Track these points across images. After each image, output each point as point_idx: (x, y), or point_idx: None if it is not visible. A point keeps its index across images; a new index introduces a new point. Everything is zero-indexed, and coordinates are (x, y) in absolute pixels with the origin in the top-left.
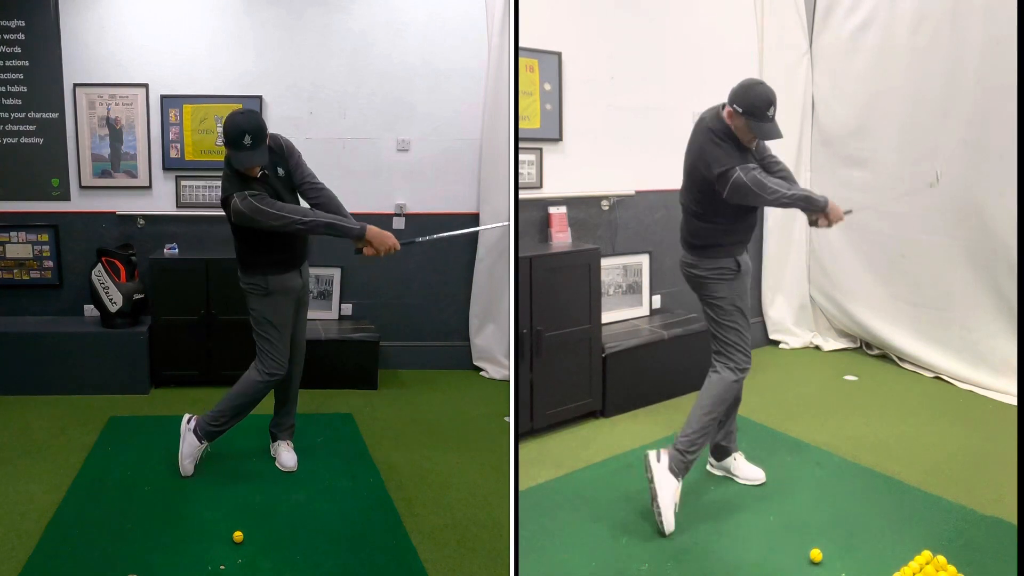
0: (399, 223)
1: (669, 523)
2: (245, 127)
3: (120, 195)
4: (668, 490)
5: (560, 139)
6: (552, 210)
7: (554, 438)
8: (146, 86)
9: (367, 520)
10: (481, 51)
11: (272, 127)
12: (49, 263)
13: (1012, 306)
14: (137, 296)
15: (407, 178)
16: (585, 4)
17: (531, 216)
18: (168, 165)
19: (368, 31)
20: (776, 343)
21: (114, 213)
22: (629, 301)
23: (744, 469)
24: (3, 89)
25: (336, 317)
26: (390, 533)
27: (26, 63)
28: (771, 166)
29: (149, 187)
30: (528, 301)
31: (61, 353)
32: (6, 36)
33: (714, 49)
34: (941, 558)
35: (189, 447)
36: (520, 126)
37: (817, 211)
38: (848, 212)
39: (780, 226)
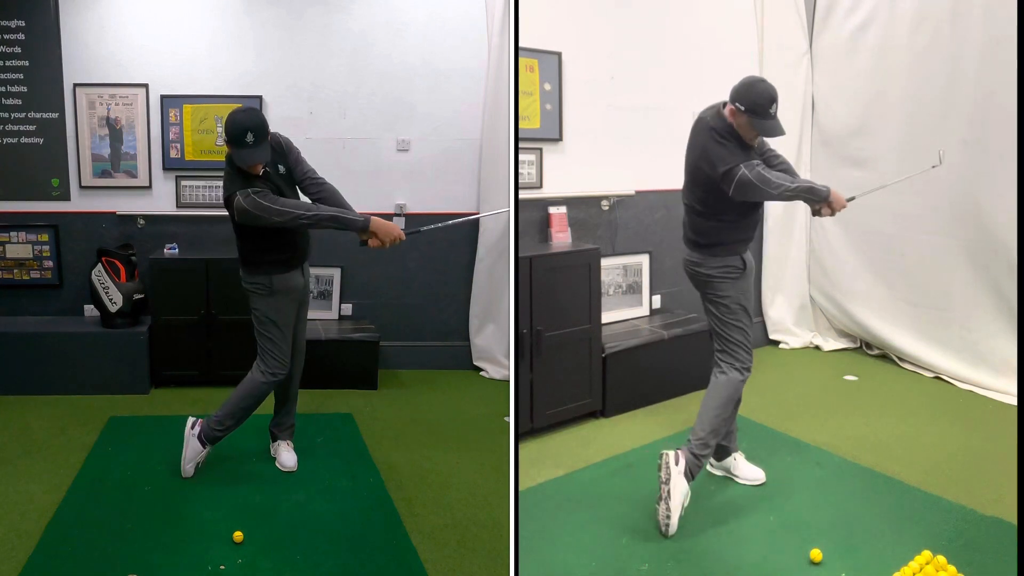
0: (399, 223)
1: (675, 525)
2: (247, 125)
3: (120, 195)
4: (680, 493)
5: (560, 139)
6: (552, 210)
7: (554, 438)
8: (146, 86)
9: (367, 520)
10: (481, 51)
11: (272, 127)
12: (49, 263)
13: (1012, 306)
14: (137, 296)
15: (407, 178)
16: (585, 4)
17: (531, 216)
18: (168, 165)
19: (368, 31)
20: (776, 343)
21: (114, 213)
22: (629, 301)
23: (744, 469)
24: (3, 89)
25: (336, 317)
26: (390, 533)
27: (26, 63)
28: (771, 160)
29: (149, 187)
30: (528, 301)
31: (61, 353)
32: (6, 36)
33: (714, 49)
34: (941, 558)
35: (192, 451)
36: (520, 126)
37: (820, 201)
38: (851, 199)
39: (780, 226)
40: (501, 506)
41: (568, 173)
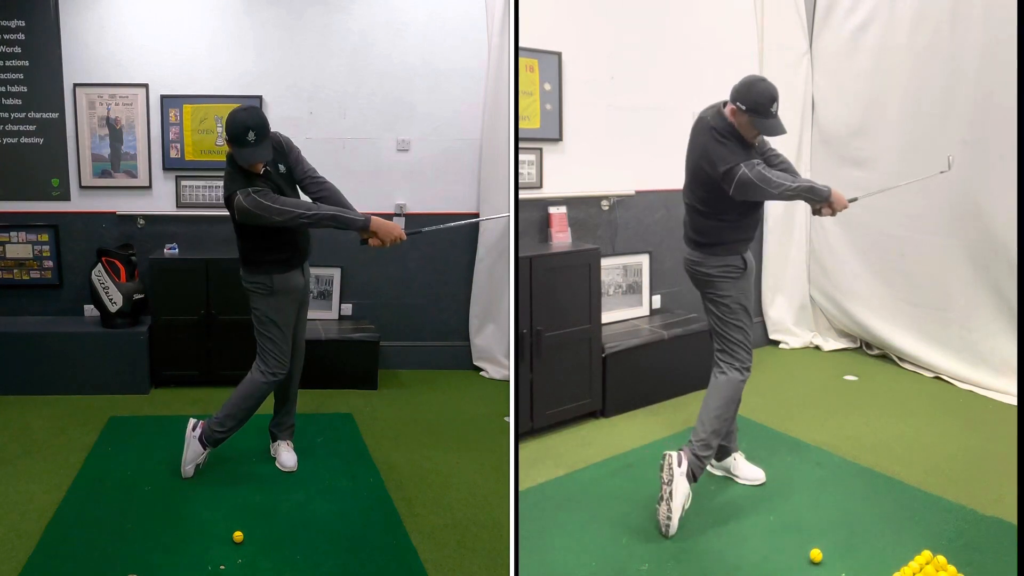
0: (399, 223)
1: (676, 526)
2: (248, 123)
3: (120, 195)
4: (682, 494)
5: (560, 139)
6: (552, 210)
7: (554, 438)
8: (146, 86)
9: (367, 520)
10: (481, 51)
11: (272, 127)
12: (49, 263)
13: (1012, 306)
14: (137, 296)
15: (407, 178)
16: (585, 4)
17: (531, 216)
18: (168, 165)
19: (368, 31)
20: (776, 343)
21: (114, 213)
22: (629, 301)
23: (744, 469)
24: (3, 89)
25: (336, 317)
26: (390, 533)
27: (26, 63)
28: (772, 160)
29: (149, 187)
30: (528, 301)
31: (61, 353)
32: (6, 36)
33: (714, 49)
34: (941, 558)
35: (192, 453)
36: (520, 126)
37: (821, 201)
38: (853, 200)
39: (780, 226)
40: (501, 506)
41: (568, 173)
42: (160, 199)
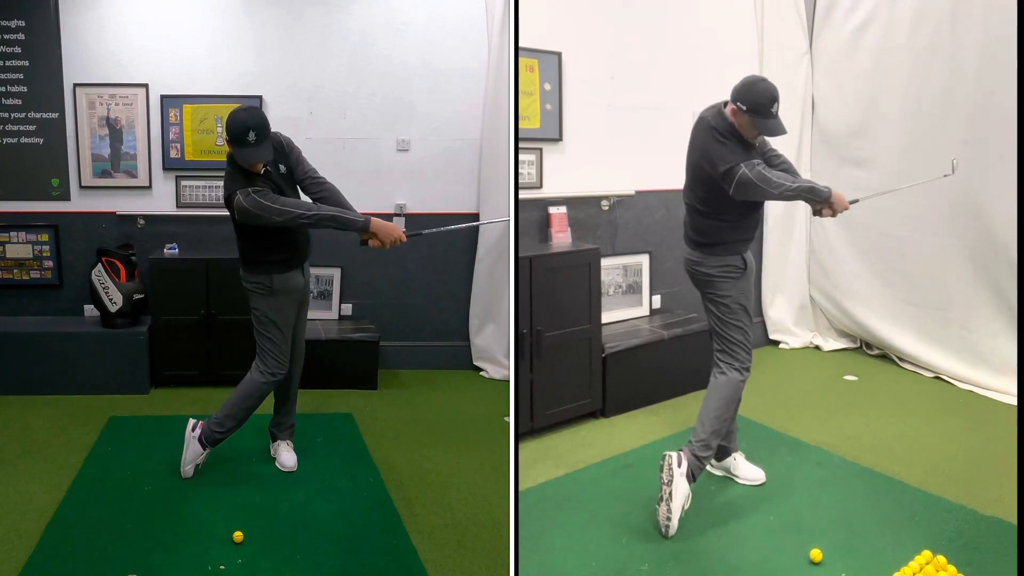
0: (399, 223)
1: (675, 526)
2: (249, 123)
3: (120, 195)
4: (681, 494)
5: (560, 139)
6: (552, 210)
7: (554, 438)
8: (146, 86)
9: (367, 520)
10: (481, 51)
11: (272, 127)
12: (49, 263)
13: (1012, 306)
14: (137, 296)
15: (407, 178)
16: (585, 4)
17: (531, 216)
18: (168, 165)
19: (368, 31)
20: (776, 343)
21: (114, 213)
22: (629, 301)
23: (744, 469)
24: (3, 89)
25: (336, 317)
26: (390, 533)
27: (26, 63)
28: (772, 160)
29: (149, 187)
30: (528, 301)
31: (61, 353)
32: (6, 36)
33: (714, 49)
34: (941, 558)
35: (192, 453)
36: (520, 126)
37: (821, 202)
38: (854, 201)
39: (780, 226)
40: (501, 506)
41: (568, 173)
42: (160, 199)
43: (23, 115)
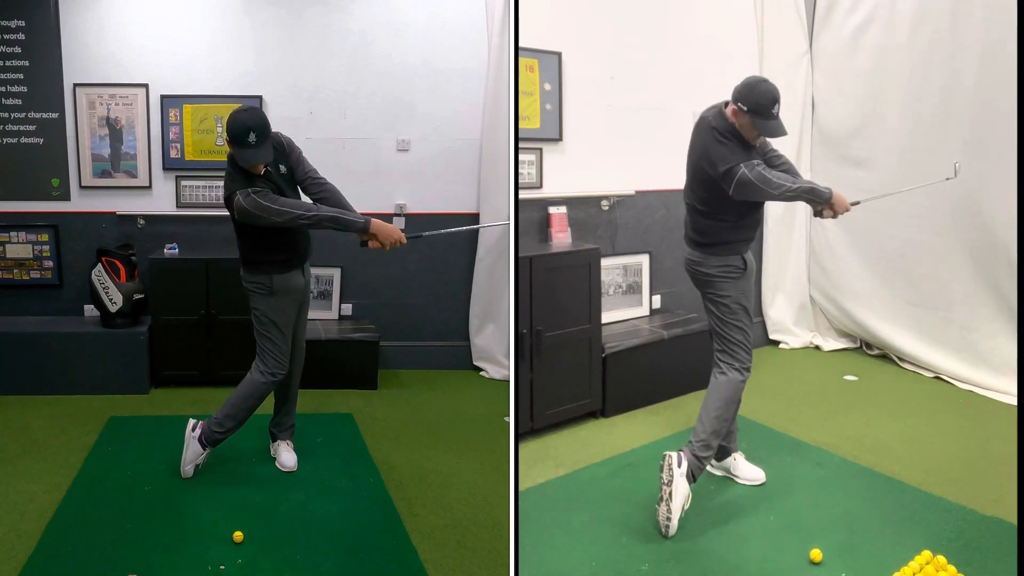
0: (399, 223)
1: (675, 526)
2: (250, 124)
3: (120, 195)
4: (681, 494)
5: (560, 139)
6: (552, 210)
7: (554, 438)
8: (146, 86)
9: (367, 520)
10: (481, 51)
11: (272, 127)
12: (49, 263)
13: (1012, 306)
14: (137, 296)
15: (407, 178)
16: (585, 4)
17: (531, 216)
18: (168, 165)
19: (368, 31)
20: (776, 343)
21: (114, 213)
22: (629, 301)
23: (744, 469)
24: (3, 89)
25: (336, 317)
26: (390, 533)
27: (26, 63)
28: (773, 160)
29: (149, 187)
30: (528, 301)
31: (61, 353)
32: (6, 36)
33: (714, 49)
34: (941, 558)
35: (192, 453)
36: (520, 126)
37: (822, 203)
38: (855, 203)
39: (780, 226)
40: (501, 506)
41: (568, 173)
42: (160, 199)
43: (23, 115)
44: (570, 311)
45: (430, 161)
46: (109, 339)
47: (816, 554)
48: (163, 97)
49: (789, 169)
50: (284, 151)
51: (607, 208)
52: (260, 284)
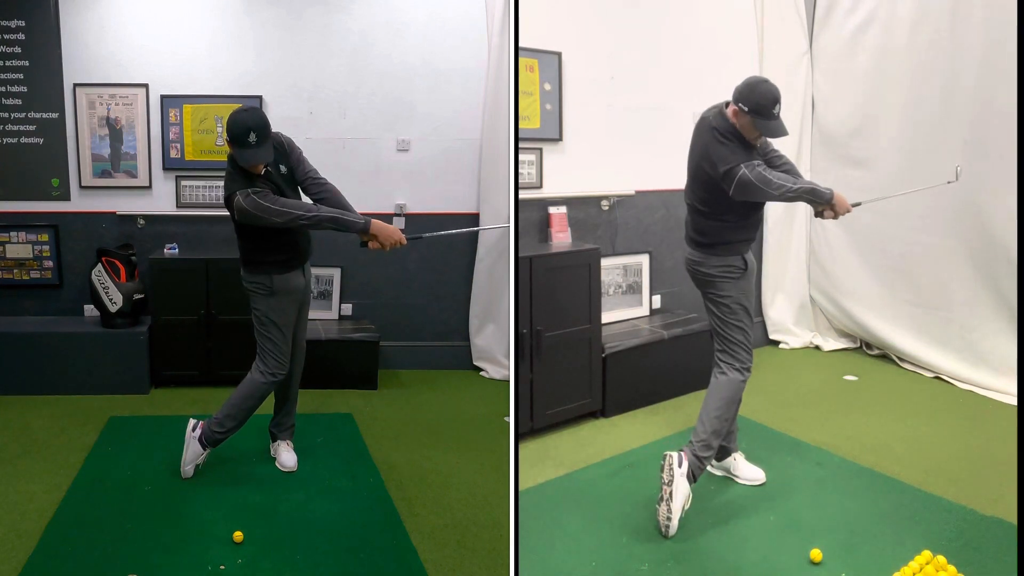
0: (399, 223)
1: (675, 526)
2: (250, 124)
3: (120, 195)
4: (682, 494)
5: (560, 139)
6: (552, 210)
7: (554, 438)
8: (146, 86)
9: (367, 520)
10: (481, 51)
11: (272, 127)
12: (49, 263)
13: (1012, 306)
14: (137, 296)
15: (407, 178)
16: (585, 4)
17: (531, 216)
18: (168, 165)
19: (368, 31)
20: (776, 343)
21: (114, 213)
22: (629, 301)
23: (744, 469)
24: (3, 89)
25: (336, 317)
26: (390, 533)
27: (26, 63)
28: (774, 161)
29: (149, 187)
30: (528, 301)
31: (61, 353)
32: (6, 36)
33: (714, 49)
34: (941, 558)
35: (192, 453)
36: (520, 126)
37: (823, 203)
38: (856, 204)
39: (780, 226)
40: (501, 506)
41: (568, 173)
42: (160, 199)
43: (23, 115)
44: (570, 311)
45: (430, 161)
46: (109, 339)
47: (816, 554)
48: (163, 97)
49: (790, 169)
50: (284, 151)
51: (607, 208)
52: (260, 284)
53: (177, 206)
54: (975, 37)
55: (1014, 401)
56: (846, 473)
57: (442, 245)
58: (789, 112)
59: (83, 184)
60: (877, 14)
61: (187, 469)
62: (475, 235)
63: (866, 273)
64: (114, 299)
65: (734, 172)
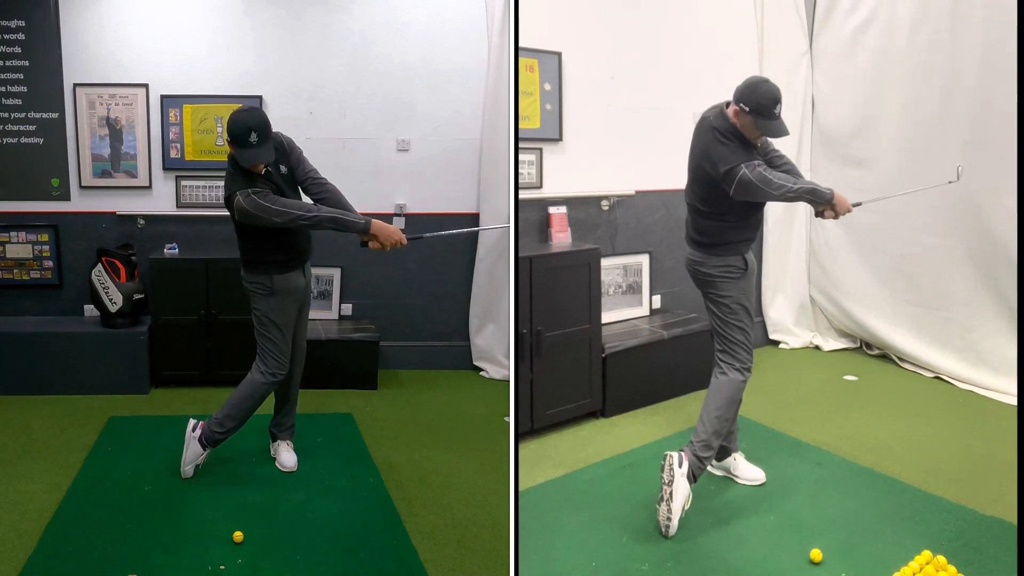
0: (399, 223)
1: (675, 526)
2: (251, 124)
3: (120, 195)
4: (682, 494)
5: (560, 139)
6: (552, 210)
7: (554, 438)
8: (146, 86)
9: (367, 520)
10: (481, 51)
11: (272, 127)
12: (49, 263)
13: (1012, 306)
14: (137, 296)
15: (407, 178)
16: (585, 4)
17: (531, 216)
18: (168, 165)
19: (368, 31)
20: (776, 343)
21: (114, 213)
22: (629, 301)
23: (744, 469)
24: (3, 89)
25: (336, 317)
26: (390, 533)
27: (26, 63)
28: (775, 161)
29: (149, 187)
30: (528, 301)
31: (61, 353)
32: (6, 36)
33: (714, 49)
34: (941, 558)
35: (192, 453)
36: (520, 126)
37: (823, 203)
38: (857, 204)
39: (780, 226)
40: (501, 506)
41: (568, 173)
42: (160, 199)
43: (23, 115)
44: (570, 311)
45: (430, 161)
46: (109, 339)
47: (816, 554)
48: (163, 97)
49: (791, 169)
50: (285, 151)
51: (607, 208)
52: (260, 284)
53: (177, 206)
54: (975, 37)
55: (1014, 401)
56: (846, 473)
57: (442, 245)
58: (789, 112)
59: (83, 184)
60: (877, 14)
61: (187, 469)
62: (475, 235)
63: (866, 273)
64: (114, 299)
65: (735, 172)
